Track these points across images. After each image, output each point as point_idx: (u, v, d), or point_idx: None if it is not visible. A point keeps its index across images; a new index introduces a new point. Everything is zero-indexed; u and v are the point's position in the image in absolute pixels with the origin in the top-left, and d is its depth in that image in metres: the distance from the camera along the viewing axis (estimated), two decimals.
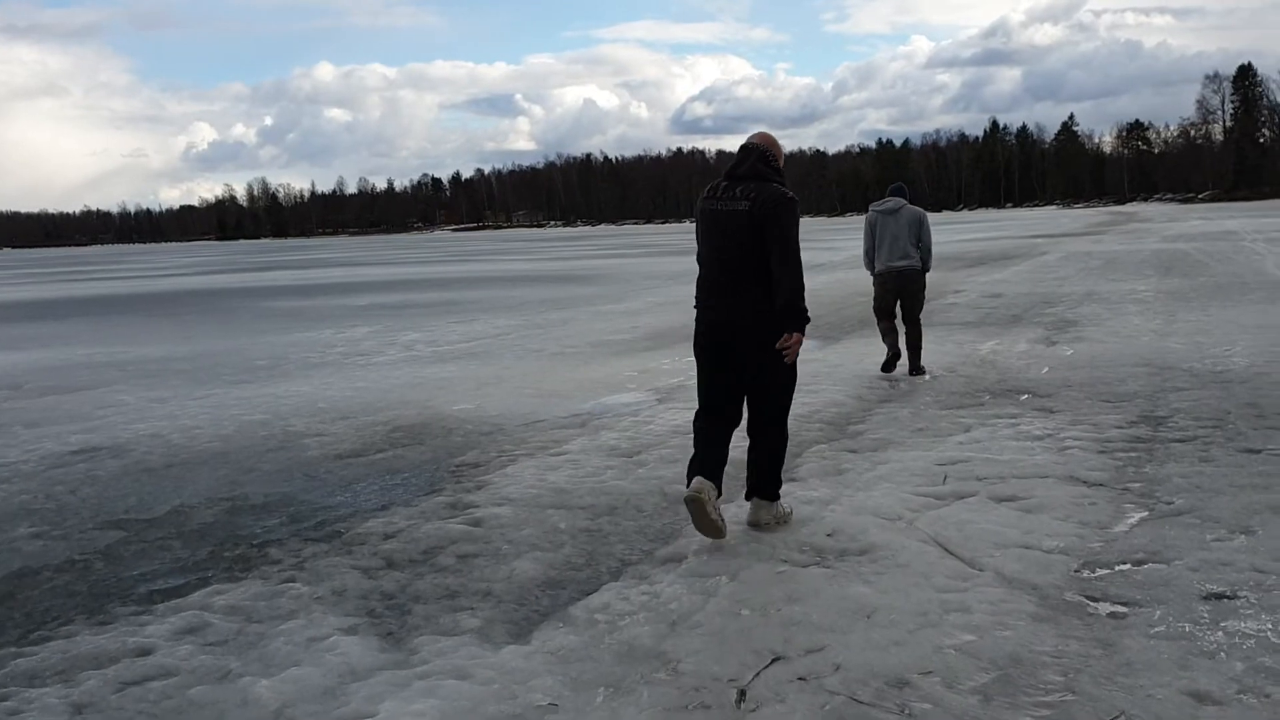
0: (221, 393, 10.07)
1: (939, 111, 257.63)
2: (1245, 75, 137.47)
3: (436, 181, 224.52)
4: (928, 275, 9.69)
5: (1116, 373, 8.94)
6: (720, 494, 4.78)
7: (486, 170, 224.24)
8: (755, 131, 5.21)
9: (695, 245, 5.11)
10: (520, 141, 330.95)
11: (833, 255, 33.28)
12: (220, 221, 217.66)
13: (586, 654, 3.56)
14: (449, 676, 3.40)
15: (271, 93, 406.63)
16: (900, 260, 9.32)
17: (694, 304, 5.01)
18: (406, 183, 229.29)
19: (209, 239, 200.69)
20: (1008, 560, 4.35)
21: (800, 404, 6.91)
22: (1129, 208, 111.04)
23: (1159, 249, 28.38)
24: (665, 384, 9.51)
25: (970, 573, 4.23)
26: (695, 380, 5.09)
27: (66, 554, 5.01)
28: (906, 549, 4.51)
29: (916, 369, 9.41)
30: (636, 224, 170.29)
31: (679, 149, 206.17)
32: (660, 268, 31.32)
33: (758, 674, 3.35)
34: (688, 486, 4.70)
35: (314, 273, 38.27)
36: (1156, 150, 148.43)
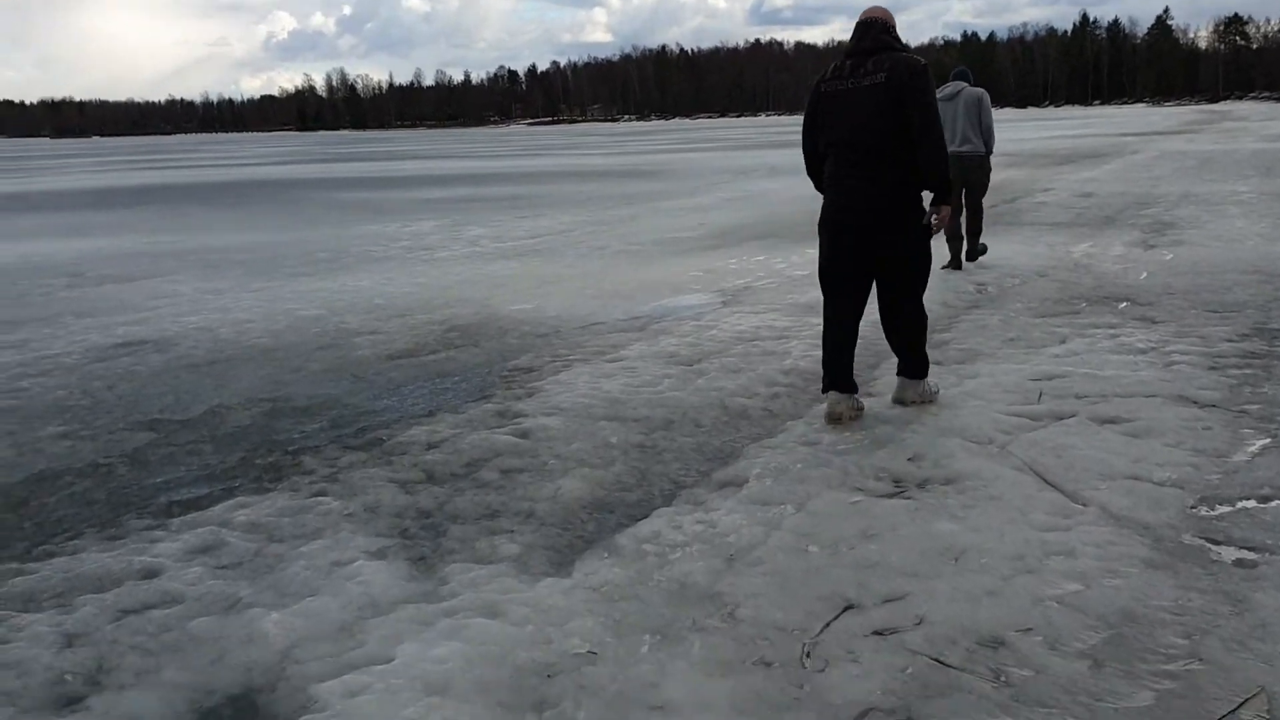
0: (278, 285, 9.80)
1: (1027, 4, 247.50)
2: None
3: (513, 74, 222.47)
4: (992, 159, 9.33)
5: (1222, 280, 8.22)
6: (857, 389, 4.96)
7: (562, 63, 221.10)
8: (869, 7, 4.91)
9: (803, 133, 4.95)
10: (597, 33, 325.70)
11: None
12: (300, 112, 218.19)
13: (633, 592, 3.16)
14: (478, 614, 3.02)
15: None
16: (961, 145, 8.87)
17: (821, 188, 4.90)
18: (483, 75, 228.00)
19: (289, 129, 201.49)
20: (1114, 494, 3.84)
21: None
22: (1222, 106, 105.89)
23: (1258, 149, 26.77)
24: (730, 285, 8.99)
25: (1072, 508, 3.73)
26: (817, 266, 4.97)
27: (91, 457, 4.73)
28: (999, 478, 4.02)
29: (974, 252, 9.26)
30: (711, 118, 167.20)
31: (757, 40, 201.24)
32: (731, 162, 30.43)
33: (827, 625, 2.93)
34: (824, 390, 4.91)
35: (386, 165, 37.94)
36: (1255, 46, 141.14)
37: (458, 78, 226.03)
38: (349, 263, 11.33)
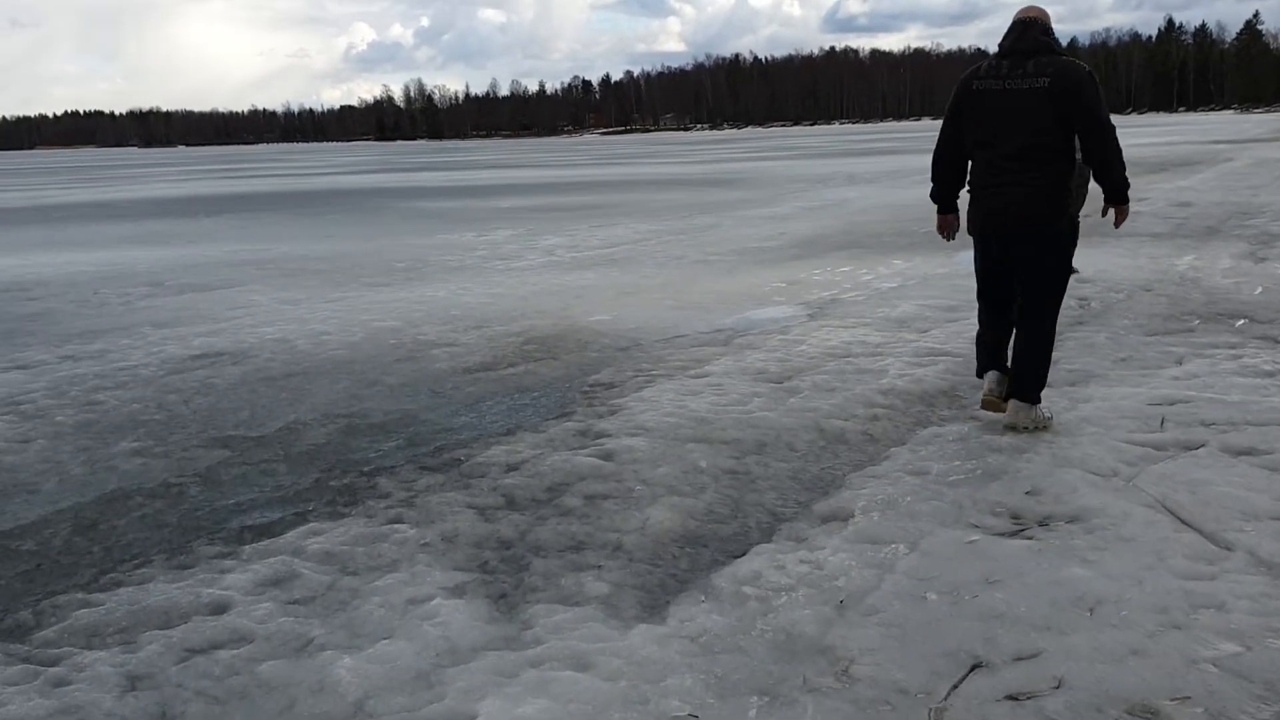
0: (355, 295, 9.69)
1: (1109, 9, 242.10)
2: None
3: (586, 84, 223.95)
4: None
5: None
6: (1008, 374, 4.84)
7: (635, 72, 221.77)
8: (1026, 5, 4.67)
9: (943, 130, 4.78)
10: (670, 42, 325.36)
11: None
12: (379, 122, 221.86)
13: (734, 643, 2.88)
14: (566, 665, 2.77)
15: None
16: None
17: (967, 189, 4.77)
18: (557, 85, 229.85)
19: (368, 139, 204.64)
20: (1263, 537, 3.47)
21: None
22: None
23: None
24: (816, 298, 8.67)
25: (1216, 552, 3.37)
26: (974, 266, 4.92)
27: (164, 475, 4.58)
28: (1129, 516, 3.66)
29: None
30: (784, 126, 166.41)
31: (831, 48, 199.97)
32: (808, 170, 29.99)
33: (955, 687, 2.62)
34: (979, 375, 4.94)
35: (463, 174, 38.15)
36: None
37: (532, 88, 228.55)
38: (426, 272, 11.22)
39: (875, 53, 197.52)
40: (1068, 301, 7.89)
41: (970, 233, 4.80)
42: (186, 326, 8.26)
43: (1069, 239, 4.62)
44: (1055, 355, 6.09)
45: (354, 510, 4.07)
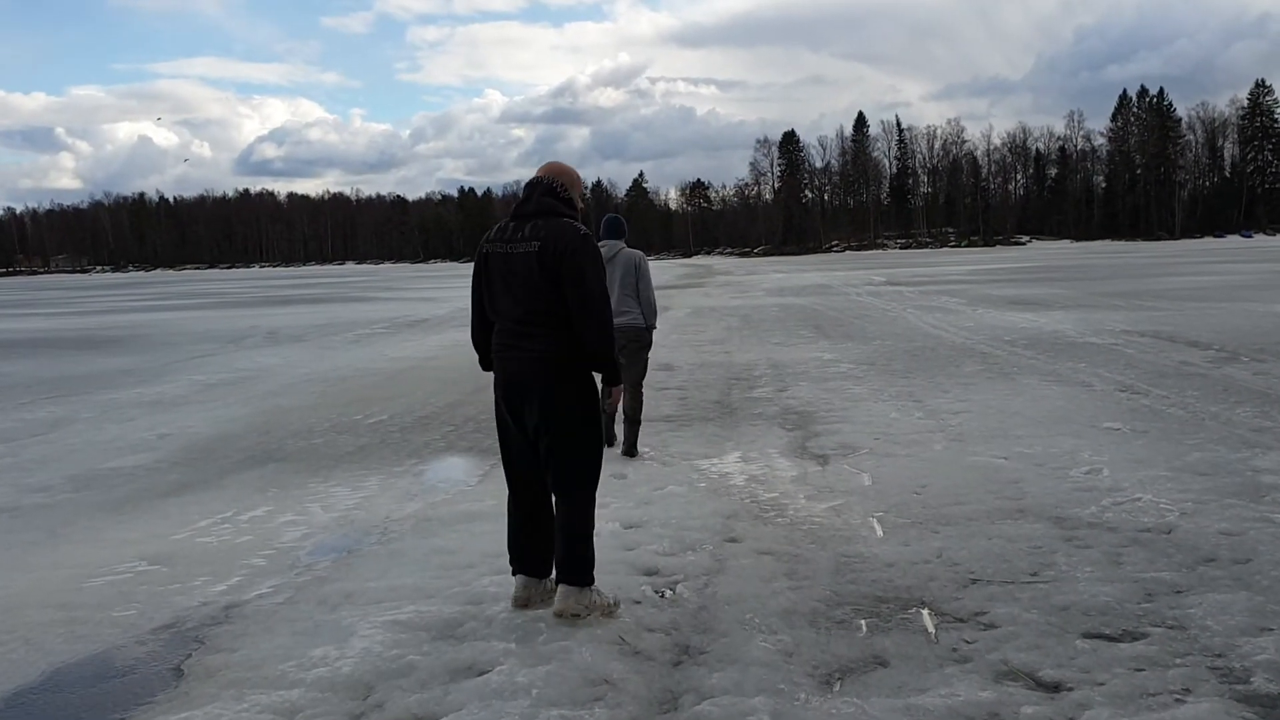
0: None
1: (515, 164, 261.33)
2: (790, 141, 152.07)
3: None
4: (654, 334, 8.03)
5: (1004, 537, 5.26)
6: (551, 573, 4.37)
7: (19, 210, 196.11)
8: (547, 163, 4.50)
9: (472, 295, 4.44)
10: (63, 179, 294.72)
11: (435, 308, 28.66)
12: None
13: None
14: None
15: None
16: (617, 316, 6.38)
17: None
18: None
19: None
20: None
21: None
22: (699, 260, 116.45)
23: (780, 304, 26.70)
24: (199, 609, 4.65)
25: None
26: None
27: None
28: None
29: (632, 448, 7.69)
30: (199, 269, 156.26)
31: (246, 190, 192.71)
32: (220, 324, 25.27)
33: None
34: (513, 571, 4.44)
35: None
36: (716, 208, 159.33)
37: None
38: None
39: (293, 196, 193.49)
40: (632, 580, 4.68)
41: (495, 407, 4.38)
42: None
43: (582, 407, 4.23)
44: None
45: None
